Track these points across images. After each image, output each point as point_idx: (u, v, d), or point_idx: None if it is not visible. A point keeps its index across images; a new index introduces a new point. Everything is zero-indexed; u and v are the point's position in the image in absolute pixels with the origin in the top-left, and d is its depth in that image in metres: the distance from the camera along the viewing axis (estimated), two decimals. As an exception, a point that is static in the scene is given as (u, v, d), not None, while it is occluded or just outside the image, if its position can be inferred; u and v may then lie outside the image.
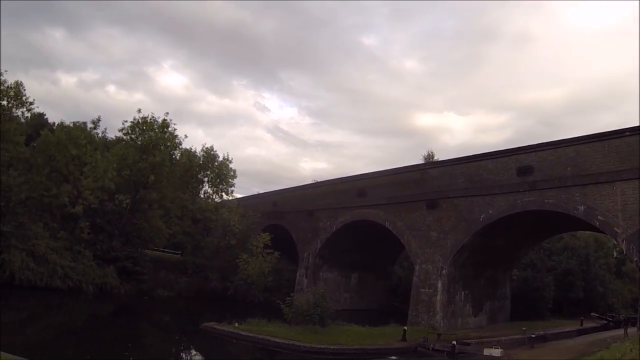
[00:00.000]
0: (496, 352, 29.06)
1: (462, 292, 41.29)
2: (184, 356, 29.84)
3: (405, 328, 33.77)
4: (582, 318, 50.40)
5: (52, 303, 39.27)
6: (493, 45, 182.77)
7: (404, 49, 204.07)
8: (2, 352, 16.44)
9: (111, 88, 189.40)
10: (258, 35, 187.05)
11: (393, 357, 29.10)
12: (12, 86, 45.76)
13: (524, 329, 38.04)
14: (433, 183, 42.30)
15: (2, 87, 45.01)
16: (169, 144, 52.12)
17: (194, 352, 30.60)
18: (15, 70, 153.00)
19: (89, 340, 28.61)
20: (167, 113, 52.12)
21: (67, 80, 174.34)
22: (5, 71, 45.47)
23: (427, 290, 40.09)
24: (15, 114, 47.66)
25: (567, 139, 33.60)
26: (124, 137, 52.35)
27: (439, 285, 39.41)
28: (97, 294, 43.07)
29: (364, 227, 49.87)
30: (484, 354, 29.37)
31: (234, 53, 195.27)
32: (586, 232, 56.92)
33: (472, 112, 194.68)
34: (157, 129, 50.52)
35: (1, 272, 38.10)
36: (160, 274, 50.47)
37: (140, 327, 37.45)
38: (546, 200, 33.30)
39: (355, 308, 53.28)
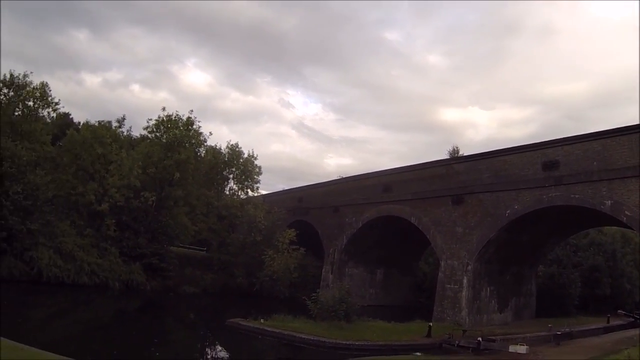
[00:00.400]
0: (522, 349, 28.78)
1: (488, 288, 41.02)
2: (209, 352, 29.96)
3: (431, 324, 33.73)
4: (609, 315, 49.84)
5: (79, 299, 39.77)
6: (516, 39, 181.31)
7: (427, 43, 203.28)
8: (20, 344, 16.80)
9: (135, 87, 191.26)
10: (281, 32, 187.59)
11: (418, 353, 28.93)
12: (38, 87, 46.77)
13: (549, 325, 37.67)
14: (458, 178, 42.09)
15: (28, 89, 45.84)
16: (193, 141, 52.47)
17: (219, 348, 30.77)
18: (41, 72, 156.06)
19: (116, 336, 28.92)
20: (192, 111, 52.69)
21: (92, 80, 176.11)
22: (31, 72, 46.58)
23: (452, 286, 39.90)
24: (42, 114, 48.71)
25: (593, 132, 33.20)
26: (149, 135, 52.84)
27: (465, 281, 39.19)
28: (124, 290, 43.52)
29: (390, 222, 49.80)
30: (510, 350, 29.10)
31: (257, 50, 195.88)
32: (613, 227, 56.10)
33: (497, 107, 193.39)
34: (182, 126, 50.87)
35: (29, 269, 38.67)
36: (186, 270, 50.70)
37: (166, 323, 37.73)
38: (572, 195, 32.92)
39: (380, 304, 53.22)
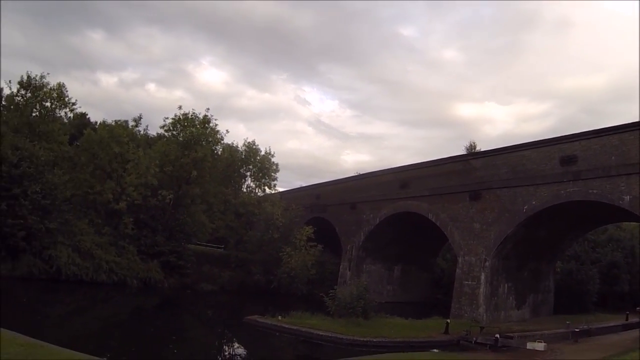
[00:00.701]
0: (539, 346, 28.57)
1: (505, 285, 40.80)
2: (227, 349, 30.05)
3: (448, 321, 33.61)
4: (628, 312, 49.35)
5: (98, 297, 40.09)
6: (532, 32, 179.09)
7: (442, 39, 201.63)
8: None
9: (151, 86, 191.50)
10: (296, 29, 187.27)
11: (436, 350, 28.92)
12: (55, 88, 47.33)
13: (567, 323, 37.35)
14: (475, 174, 41.89)
15: (45, 89, 46.34)
16: (210, 139, 52.56)
17: (237, 345, 30.87)
18: (57, 73, 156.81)
19: (134, 333, 29.12)
20: (208, 109, 52.94)
21: (108, 80, 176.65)
22: (48, 74, 47.14)
23: (470, 282, 39.73)
24: (59, 115, 49.26)
25: (611, 127, 32.87)
26: (166, 133, 53.14)
27: (482, 277, 39.01)
28: (142, 287, 43.83)
29: (407, 219, 49.66)
30: (527, 347, 28.93)
31: (272, 47, 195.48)
32: (631, 223, 55.65)
33: (514, 101, 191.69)
34: (198, 124, 51.07)
35: (48, 267, 39.05)
36: (204, 268, 50.94)
37: (184, 320, 37.93)
38: (590, 191, 32.66)
39: (398, 300, 53.09)
